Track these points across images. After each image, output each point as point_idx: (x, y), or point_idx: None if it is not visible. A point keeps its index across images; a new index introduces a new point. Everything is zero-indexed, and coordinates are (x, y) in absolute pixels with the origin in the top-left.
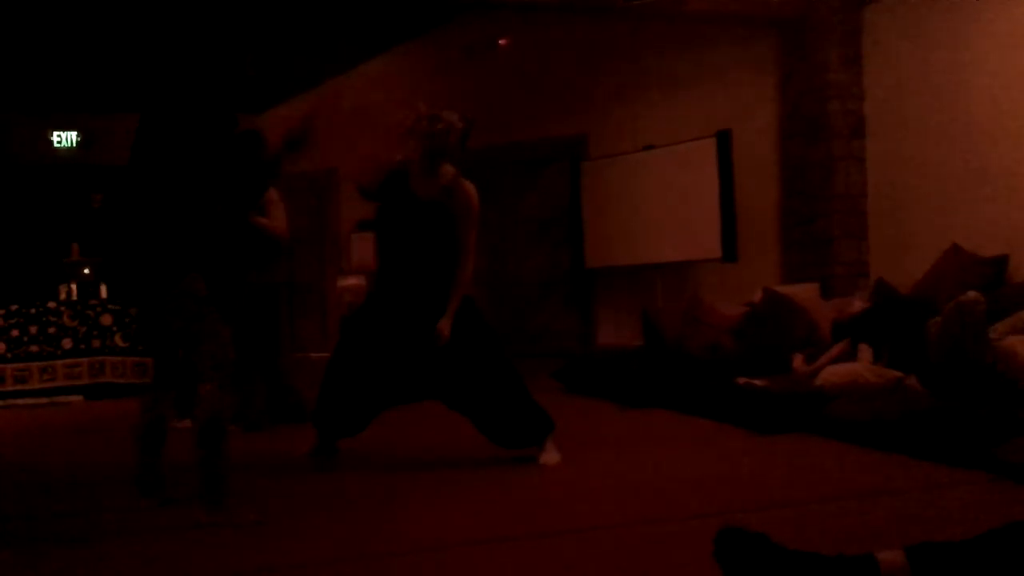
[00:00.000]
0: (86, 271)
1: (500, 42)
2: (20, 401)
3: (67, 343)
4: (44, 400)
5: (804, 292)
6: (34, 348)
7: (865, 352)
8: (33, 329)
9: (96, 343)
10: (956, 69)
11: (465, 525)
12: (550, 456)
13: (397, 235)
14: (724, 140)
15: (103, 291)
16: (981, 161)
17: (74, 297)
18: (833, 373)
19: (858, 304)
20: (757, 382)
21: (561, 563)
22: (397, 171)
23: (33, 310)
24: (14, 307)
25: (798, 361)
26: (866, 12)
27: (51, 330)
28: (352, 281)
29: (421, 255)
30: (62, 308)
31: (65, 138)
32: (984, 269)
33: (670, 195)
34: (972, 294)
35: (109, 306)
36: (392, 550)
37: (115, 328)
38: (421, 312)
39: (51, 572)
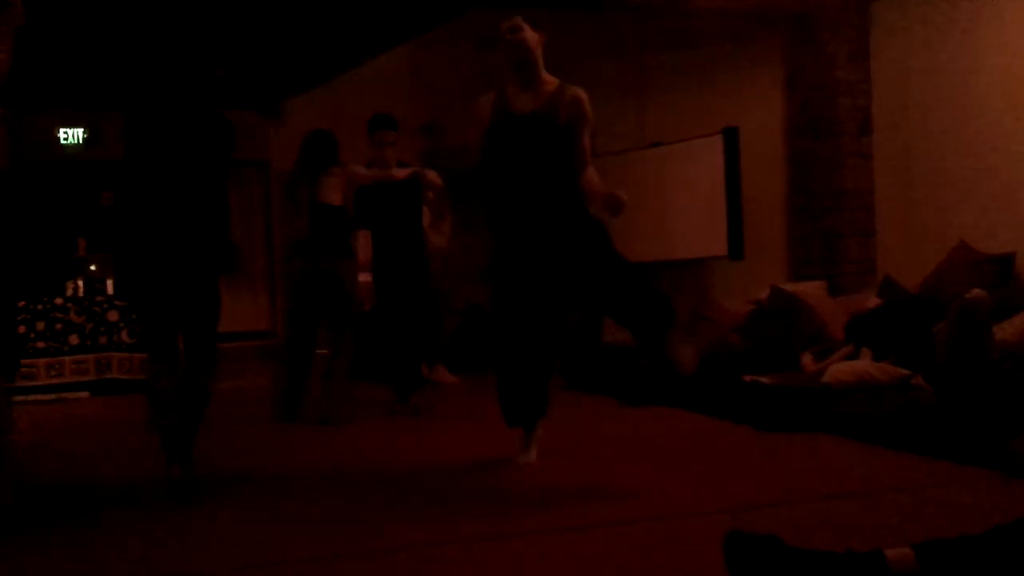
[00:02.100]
0: (92, 267)
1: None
2: (27, 398)
3: (74, 339)
4: (51, 396)
5: (811, 289)
6: (41, 344)
7: (866, 356)
8: (40, 325)
9: (103, 339)
10: (965, 65)
11: (468, 522)
12: (528, 456)
13: (507, 163)
14: (731, 137)
15: (109, 287)
16: (990, 157)
17: (80, 293)
18: (841, 371)
19: (872, 300)
20: (764, 379)
21: (565, 559)
22: (496, 101)
23: (40, 306)
24: (21, 303)
25: (807, 359)
26: (874, 7)
27: (58, 326)
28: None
29: (534, 174)
30: (69, 304)
31: (72, 135)
32: (992, 266)
33: (677, 192)
34: (976, 292)
35: (115, 302)
36: (390, 546)
37: (121, 324)
38: (554, 235)
39: (41, 568)
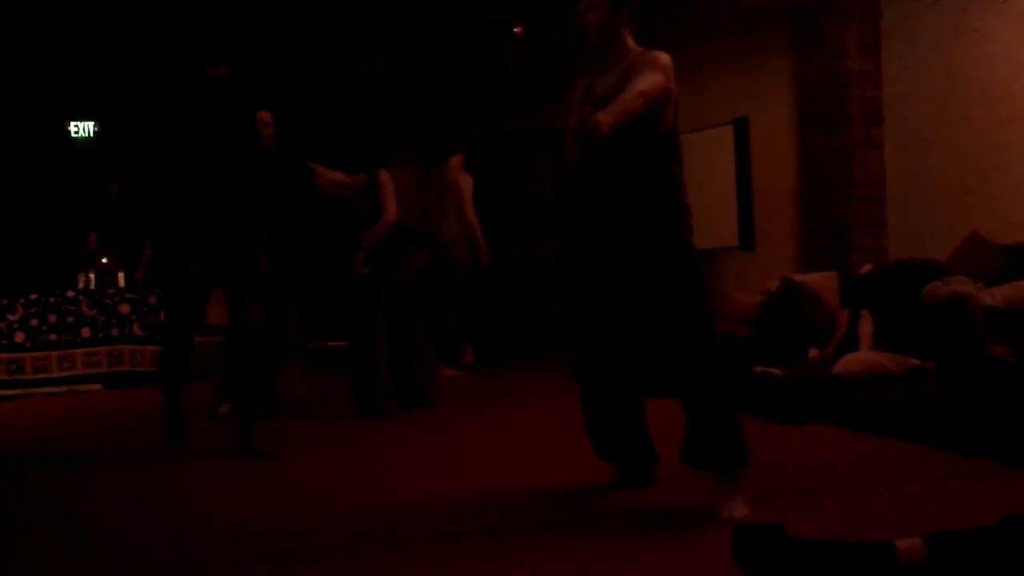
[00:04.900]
0: (104, 260)
1: (515, 30)
2: (40, 390)
3: (86, 332)
4: (63, 389)
5: (822, 280)
6: (53, 337)
7: (867, 320)
8: (52, 318)
9: (115, 332)
10: (975, 54)
11: (470, 516)
12: (736, 509)
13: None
14: (741, 127)
15: (121, 280)
16: (1001, 148)
17: (92, 286)
18: (851, 362)
19: (867, 266)
20: (774, 371)
21: (570, 552)
22: (585, 86)
23: (52, 299)
24: (33, 296)
25: (814, 354)
26: None
27: (70, 319)
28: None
29: (609, 173)
30: (81, 297)
31: (83, 128)
32: (1004, 256)
33: (686, 183)
34: (963, 290)
35: (127, 295)
36: (396, 540)
37: (133, 317)
38: (627, 254)
39: (40, 562)
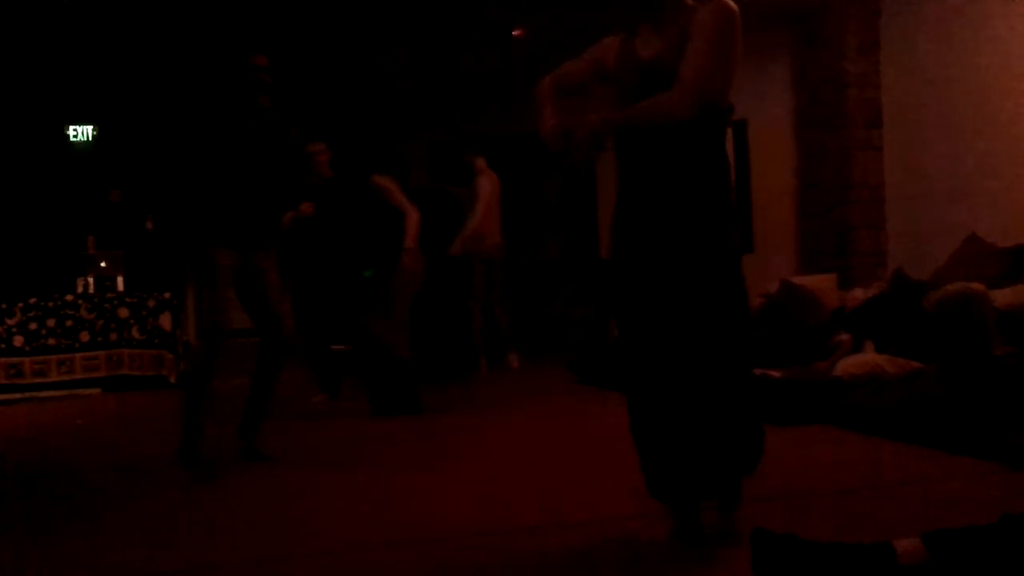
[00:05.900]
0: (103, 264)
1: (515, 33)
2: (39, 394)
3: (85, 336)
4: (63, 393)
5: (821, 282)
6: (52, 341)
7: (870, 349)
8: (51, 322)
9: (113, 336)
10: (973, 57)
11: (469, 517)
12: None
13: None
14: (740, 129)
15: (120, 284)
16: (1000, 150)
17: (91, 290)
18: (852, 364)
19: (860, 293)
20: (774, 373)
21: (576, 553)
22: (622, 46)
23: (51, 303)
24: (32, 300)
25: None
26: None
27: (69, 323)
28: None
29: (652, 150)
30: (80, 301)
31: (82, 132)
32: (1003, 259)
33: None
34: (977, 287)
35: (126, 299)
36: (396, 540)
37: (132, 321)
38: (666, 249)
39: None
